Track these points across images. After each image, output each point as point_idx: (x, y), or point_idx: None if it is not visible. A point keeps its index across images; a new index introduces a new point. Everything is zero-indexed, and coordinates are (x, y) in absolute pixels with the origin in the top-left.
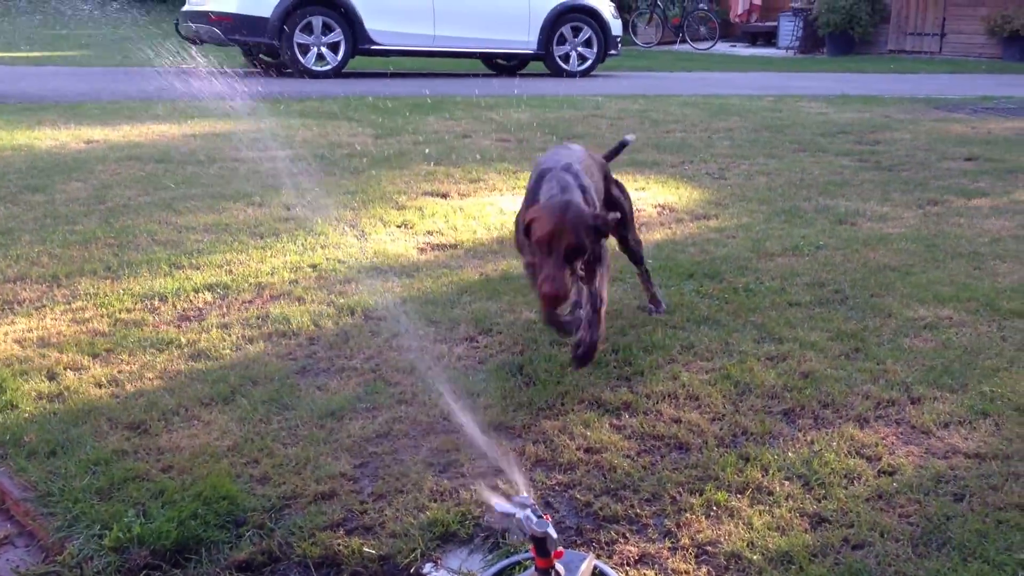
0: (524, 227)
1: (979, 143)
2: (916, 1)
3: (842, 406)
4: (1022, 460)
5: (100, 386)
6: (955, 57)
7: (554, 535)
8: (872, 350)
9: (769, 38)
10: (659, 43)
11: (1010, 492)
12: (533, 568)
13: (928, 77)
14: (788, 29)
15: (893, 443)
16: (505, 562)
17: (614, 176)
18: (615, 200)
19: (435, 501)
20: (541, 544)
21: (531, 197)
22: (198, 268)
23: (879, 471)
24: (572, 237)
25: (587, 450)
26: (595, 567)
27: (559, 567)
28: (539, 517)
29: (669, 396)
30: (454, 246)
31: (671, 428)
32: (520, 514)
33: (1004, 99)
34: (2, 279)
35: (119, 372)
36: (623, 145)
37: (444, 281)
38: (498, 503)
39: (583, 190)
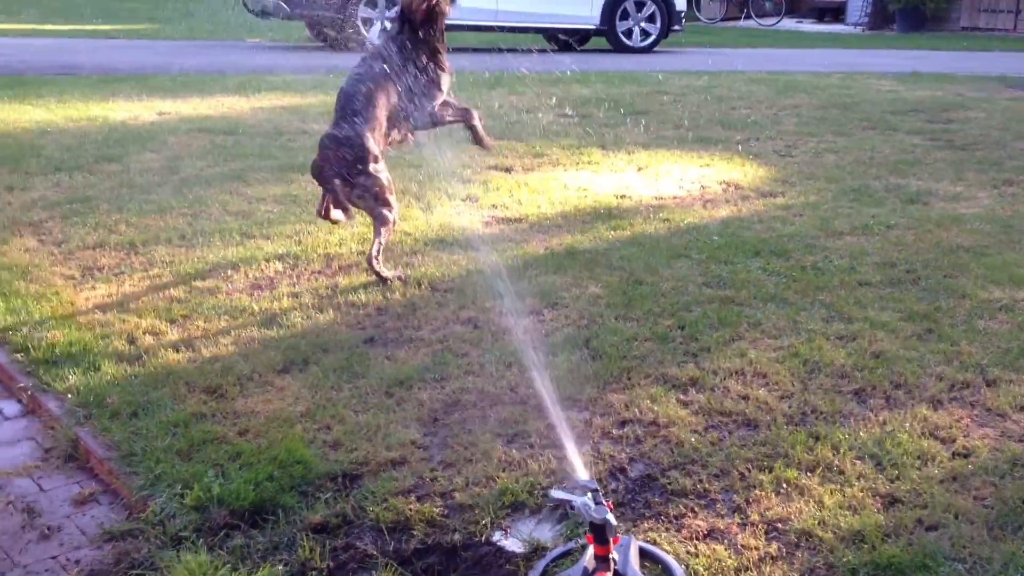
0: None
1: None
2: None
3: (915, 387)
4: None
5: (177, 350)
6: None
7: (613, 522)
8: (945, 331)
9: (837, 14)
10: (723, 19)
11: None
12: (591, 554)
13: (1002, 55)
14: (857, 5)
15: (968, 425)
16: (560, 550)
17: None
18: None
19: (504, 471)
20: (600, 531)
21: None
22: (268, 238)
23: (953, 453)
24: None
25: (654, 424)
26: (640, 548)
27: (615, 553)
28: (599, 504)
29: (736, 373)
30: (519, 220)
31: (739, 405)
32: (579, 500)
33: None
34: (83, 245)
35: (195, 337)
36: None
37: (509, 255)
38: (558, 490)
39: None
